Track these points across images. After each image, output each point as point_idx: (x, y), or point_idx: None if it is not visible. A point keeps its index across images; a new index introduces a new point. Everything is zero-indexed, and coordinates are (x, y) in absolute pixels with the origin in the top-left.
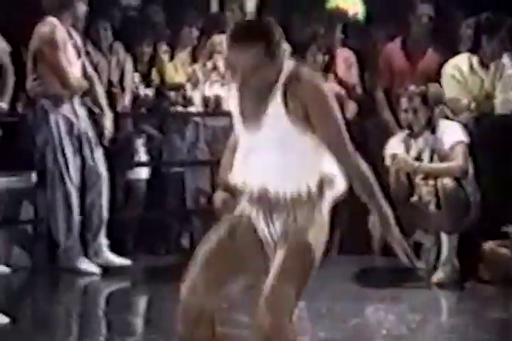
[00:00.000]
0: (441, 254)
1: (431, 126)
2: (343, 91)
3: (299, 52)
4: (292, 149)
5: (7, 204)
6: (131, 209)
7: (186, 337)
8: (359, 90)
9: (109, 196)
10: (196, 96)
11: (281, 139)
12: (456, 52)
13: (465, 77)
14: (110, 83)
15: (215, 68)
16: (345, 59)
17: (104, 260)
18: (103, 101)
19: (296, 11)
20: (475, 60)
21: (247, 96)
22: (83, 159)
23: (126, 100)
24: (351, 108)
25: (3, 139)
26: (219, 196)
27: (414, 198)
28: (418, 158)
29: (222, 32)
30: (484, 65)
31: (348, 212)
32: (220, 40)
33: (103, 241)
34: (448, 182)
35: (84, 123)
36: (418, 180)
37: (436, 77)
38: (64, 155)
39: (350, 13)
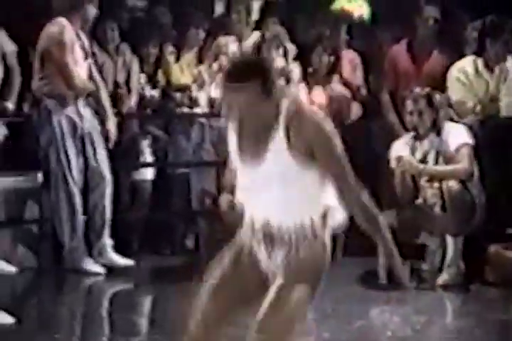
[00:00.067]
0: (447, 256)
1: (436, 129)
2: (348, 93)
3: (304, 53)
4: (294, 184)
5: (13, 204)
6: (136, 210)
7: None
8: (364, 92)
9: (113, 197)
10: (202, 98)
11: (283, 174)
12: (461, 55)
13: (470, 79)
14: (116, 84)
15: (220, 69)
16: (350, 60)
17: (108, 260)
18: (107, 104)
19: (301, 12)
20: (480, 62)
21: (246, 133)
22: (86, 160)
23: (132, 101)
24: (356, 110)
25: (9, 139)
26: (224, 199)
27: (419, 200)
28: (423, 161)
29: (228, 33)
30: (489, 68)
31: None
32: (226, 41)
33: (107, 241)
34: (453, 184)
35: (88, 124)
36: (423, 182)
37: (441, 79)
38: (67, 155)
39: (356, 14)
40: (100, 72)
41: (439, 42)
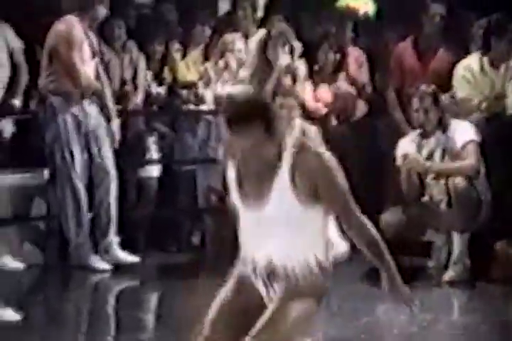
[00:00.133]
0: (453, 253)
1: (442, 126)
2: (353, 91)
3: (310, 51)
4: (298, 224)
5: (20, 201)
6: (142, 207)
7: None
8: (369, 89)
9: (118, 194)
10: (208, 95)
11: (287, 215)
12: (467, 52)
13: (476, 77)
14: (123, 81)
15: (226, 67)
16: (356, 58)
17: (114, 257)
18: (111, 105)
19: (306, 10)
20: (486, 60)
21: (247, 173)
22: (91, 157)
23: (139, 98)
24: (361, 107)
25: (16, 136)
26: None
27: (426, 197)
28: (429, 158)
29: (235, 30)
30: (495, 66)
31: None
32: (232, 38)
33: (113, 238)
34: (459, 181)
35: (93, 121)
36: (429, 179)
37: (447, 76)
38: (71, 152)
39: (361, 12)
40: (106, 69)
41: (445, 40)
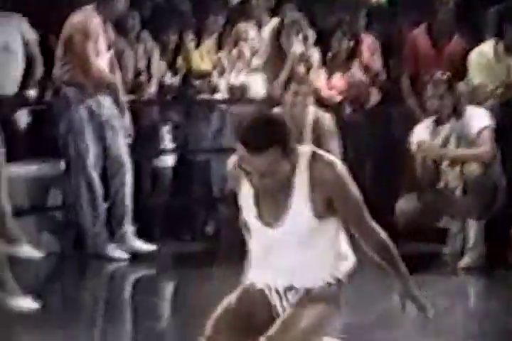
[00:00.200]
0: (469, 240)
1: (457, 112)
2: (367, 79)
3: (323, 38)
4: (314, 236)
5: (37, 192)
6: (157, 196)
7: None
8: (383, 77)
9: (134, 184)
10: (222, 84)
11: (304, 229)
12: (481, 39)
13: (491, 64)
14: (137, 71)
15: (240, 56)
16: (369, 45)
17: (130, 247)
18: (122, 100)
19: None
20: (500, 46)
21: (264, 191)
22: (105, 147)
23: (153, 88)
24: (375, 95)
25: (32, 127)
26: None
27: (441, 184)
28: (444, 145)
29: (248, 19)
30: (510, 52)
31: (374, 197)
32: (245, 27)
33: (129, 228)
34: (475, 167)
35: (107, 111)
36: (444, 166)
37: (461, 63)
38: (85, 142)
39: None
40: (120, 60)
41: (459, 26)
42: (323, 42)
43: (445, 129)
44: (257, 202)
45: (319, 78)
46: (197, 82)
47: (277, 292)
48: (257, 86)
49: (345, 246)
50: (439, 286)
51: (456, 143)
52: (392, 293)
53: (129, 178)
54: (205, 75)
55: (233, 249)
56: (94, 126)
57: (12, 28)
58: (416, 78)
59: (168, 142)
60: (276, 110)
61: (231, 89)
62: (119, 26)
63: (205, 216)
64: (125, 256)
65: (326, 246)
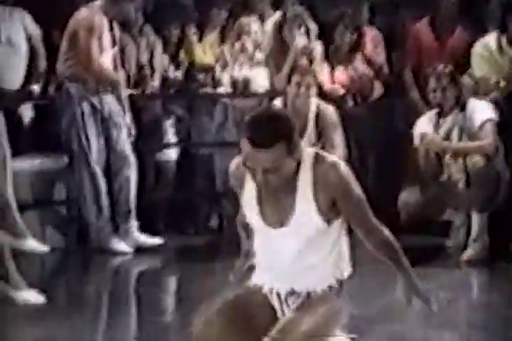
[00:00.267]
0: (472, 232)
1: (460, 105)
2: (370, 72)
3: (326, 31)
4: (318, 238)
5: (40, 186)
6: (160, 190)
7: None
8: (386, 70)
9: (137, 179)
10: (225, 78)
11: (309, 229)
12: (484, 32)
13: (494, 56)
14: (140, 65)
15: (243, 49)
16: (372, 38)
17: (134, 242)
18: (125, 99)
19: None
20: (504, 39)
21: (268, 191)
22: (108, 143)
23: (156, 82)
24: (378, 88)
25: (36, 121)
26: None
27: (444, 177)
28: (447, 137)
29: (251, 13)
30: None
31: (377, 190)
32: (248, 21)
33: (134, 223)
34: (478, 160)
35: (110, 107)
36: (447, 158)
37: (465, 55)
38: (87, 137)
39: None
40: (122, 54)
41: (462, 19)
42: (325, 35)
43: (448, 122)
44: (260, 202)
45: (322, 71)
46: (200, 76)
47: (278, 296)
48: (260, 79)
49: (346, 248)
50: (442, 279)
51: (459, 135)
52: (396, 285)
53: (133, 174)
54: (207, 69)
55: (236, 243)
56: (96, 122)
57: (15, 23)
58: (419, 71)
59: (171, 136)
60: (276, 102)
61: (234, 82)
62: (122, 20)
63: (209, 209)
64: (129, 249)
65: (328, 246)
